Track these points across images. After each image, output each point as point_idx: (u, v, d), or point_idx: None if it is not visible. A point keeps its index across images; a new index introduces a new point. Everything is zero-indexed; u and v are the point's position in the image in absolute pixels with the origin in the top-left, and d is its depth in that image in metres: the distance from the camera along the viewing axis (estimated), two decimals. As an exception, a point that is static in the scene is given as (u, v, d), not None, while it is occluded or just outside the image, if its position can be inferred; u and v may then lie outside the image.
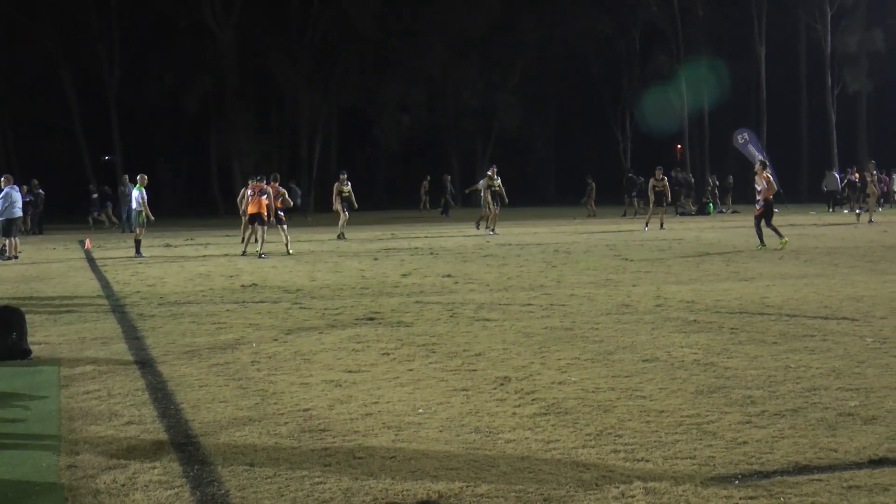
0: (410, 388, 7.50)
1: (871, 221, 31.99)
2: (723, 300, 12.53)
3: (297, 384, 7.73)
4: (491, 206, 29.80)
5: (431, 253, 21.99)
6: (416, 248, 24.14)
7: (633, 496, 4.89)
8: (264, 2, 55.17)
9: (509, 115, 62.28)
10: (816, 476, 5.15)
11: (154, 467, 5.54)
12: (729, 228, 30.41)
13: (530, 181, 65.83)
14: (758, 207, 21.77)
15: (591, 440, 5.93)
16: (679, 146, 64.86)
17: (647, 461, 5.50)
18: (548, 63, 64.56)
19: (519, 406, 6.86)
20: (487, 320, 11.14)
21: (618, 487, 5.02)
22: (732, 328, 10.15)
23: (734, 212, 45.74)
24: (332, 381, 7.79)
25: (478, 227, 31.12)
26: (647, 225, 30.52)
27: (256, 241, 22.48)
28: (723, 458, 5.50)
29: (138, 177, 23.94)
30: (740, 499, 4.83)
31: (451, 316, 11.59)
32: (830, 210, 43.97)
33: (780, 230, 21.71)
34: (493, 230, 29.58)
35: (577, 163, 63.61)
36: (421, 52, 58.86)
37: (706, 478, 5.17)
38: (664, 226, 30.78)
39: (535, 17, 60.77)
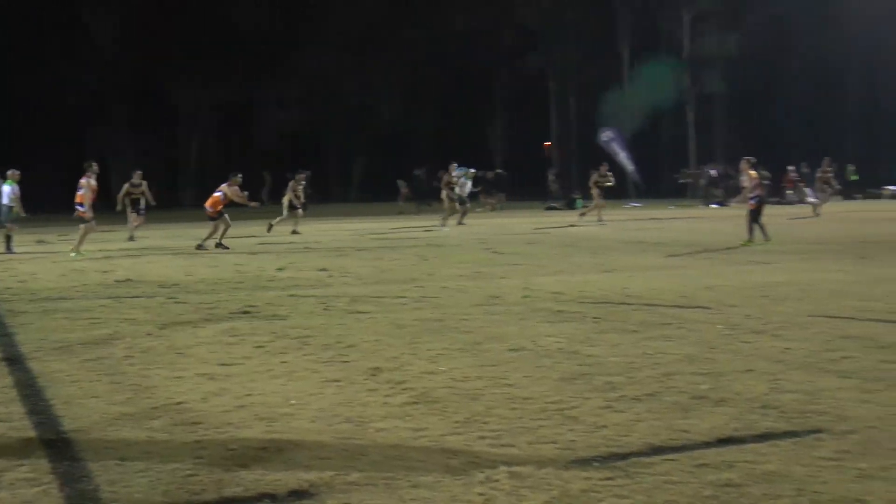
0: (284, 380, 7.45)
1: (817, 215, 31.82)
2: (587, 291, 12.73)
3: (170, 378, 7.59)
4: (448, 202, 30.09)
5: (306, 248, 21.85)
6: (292, 242, 23.98)
7: (497, 480, 4.94)
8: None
9: (388, 112, 62.27)
10: (670, 456, 5.27)
11: (21, 465, 5.35)
12: (592, 223, 30.91)
13: (408, 177, 65.92)
14: (751, 203, 21.29)
15: (459, 427, 5.97)
16: (547, 143, 65.73)
17: (513, 446, 5.55)
18: (427, 60, 64.71)
19: (390, 396, 6.86)
20: (361, 313, 11.12)
21: (483, 472, 5.06)
22: (595, 318, 10.31)
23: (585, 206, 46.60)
24: (205, 375, 7.68)
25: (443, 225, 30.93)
26: (597, 218, 30.71)
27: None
28: (584, 442, 5.59)
29: (9, 172, 23.09)
30: (599, 480, 4.91)
31: (325, 309, 11.54)
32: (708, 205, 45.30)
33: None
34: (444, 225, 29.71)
35: (455, 159, 63.87)
36: (302, 49, 58.43)
37: (568, 461, 5.24)
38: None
39: (413, 17, 60.84)
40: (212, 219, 23.01)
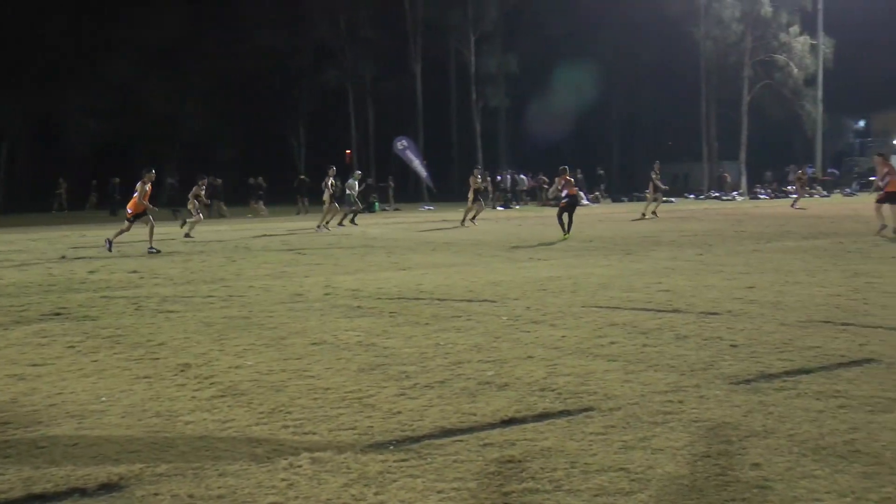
0: (95, 379, 7.16)
1: (653, 215, 32.46)
2: (384, 287, 12.78)
3: (-20, 380, 7.19)
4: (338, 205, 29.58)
5: (119, 251, 21.09)
6: (101, 245, 23.07)
7: (300, 466, 4.90)
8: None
9: (195, 122, 60.82)
10: (458, 437, 5.35)
11: None
12: (390, 224, 31.10)
13: (217, 185, 64.51)
14: (563, 202, 23.29)
15: (264, 418, 5.89)
16: (349, 151, 65.65)
17: (314, 434, 5.52)
18: (231, 74, 63.53)
19: (198, 390, 6.70)
20: (171, 312, 10.82)
21: (287, 459, 5.01)
22: (391, 312, 10.37)
23: (396, 209, 46.88)
24: (15, 375, 7.30)
25: (337, 225, 30.10)
26: (474, 220, 30.18)
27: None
28: (380, 427, 5.61)
29: None
30: (394, 461, 4.94)
31: (136, 309, 11.17)
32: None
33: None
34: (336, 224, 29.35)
35: (259, 168, 63.04)
36: (109, 61, 56.36)
37: (365, 445, 5.25)
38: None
39: (218, 31, 59.58)
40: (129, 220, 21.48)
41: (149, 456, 5.09)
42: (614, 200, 53.67)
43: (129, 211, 21.36)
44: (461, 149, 64.27)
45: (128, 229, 21.49)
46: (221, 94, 64.30)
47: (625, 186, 59.36)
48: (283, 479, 4.70)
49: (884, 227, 20.95)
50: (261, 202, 44.46)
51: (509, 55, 61.60)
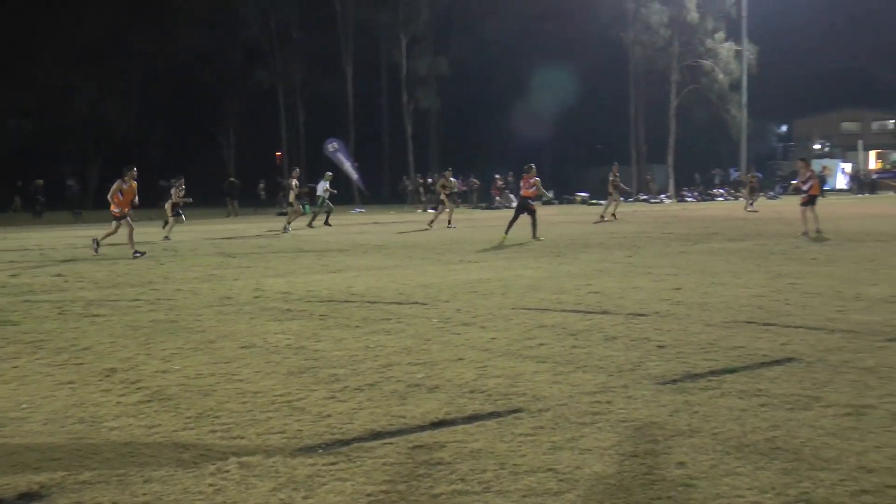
0: (15, 385, 7.00)
1: (612, 217, 32.38)
2: (314, 290, 12.71)
3: None
4: (296, 204, 29.21)
5: (41, 254, 20.69)
6: (26, 248, 22.64)
7: (228, 471, 4.84)
8: None
9: (121, 122, 59.91)
10: (388, 440, 5.34)
11: None
12: (321, 227, 30.91)
13: (146, 186, 63.66)
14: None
15: (191, 423, 5.81)
16: (279, 153, 65.27)
17: (243, 438, 5.46)
18: (159, 73, 62.69)
19: (124, 395, 6.59)
20: (96, 316, 10.62)
21: (214, 464, 4.95)
22: (322, 315, 10.31)
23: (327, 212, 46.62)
24: (-66, 382, 7.12)
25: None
26: (448, 223, 29.71)
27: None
28: (310, 431, 5.57)
29: None
30: (323, 465, 4.91)
31: (59, 313, 10.94)
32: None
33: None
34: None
35: (189, 169, 62.31)
36: (33, 59, 55.25)
37: (294, 449, 5.22)
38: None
39: (146, 30, 58.77)
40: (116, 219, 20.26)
41: (71, 463, 4.99)
42: (544, 203, 54.00)
43: (116, 211, 20.13)
44: (392, 151, 64.23)
45: (114, 232, 20.40)
46: (149, 94, 63.47)
47: (555, 189, 59.77)
48: (210, 485, 4.64)
49: (808, 231, 21.49)
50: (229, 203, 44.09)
51: (440, 57, 61.72)
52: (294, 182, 29.82)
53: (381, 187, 62.36)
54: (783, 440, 5.16)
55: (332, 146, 52.88)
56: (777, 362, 7.19)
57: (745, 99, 60.35)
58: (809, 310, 9.85)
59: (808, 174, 23.03)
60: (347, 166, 53.55)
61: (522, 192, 23.04)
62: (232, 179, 47.45)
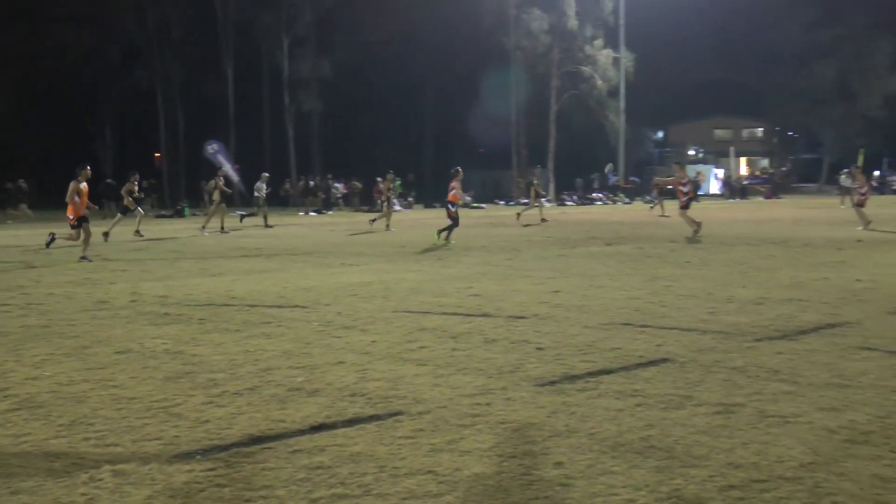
0: None
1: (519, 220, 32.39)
2: (193, 294, 12.49)
3: None
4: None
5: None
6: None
7: (101, 479, 4.73)
8: None
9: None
10: (268, 445, 5.29)
11: None
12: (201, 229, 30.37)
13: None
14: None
15: (63, 430, 5.65)
16: (158, 155, 63.99)
17: (117, 445, 5.34)
18: (34, 72, 60.65)
19: (-9, 403, 6.37)
20: (-38, 322, 10.23)
21: (87, 472, 4.83)
22: (201, 319, 10.15)
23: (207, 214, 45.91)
24: None
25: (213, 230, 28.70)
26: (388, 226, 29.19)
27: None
28: (187, 437, 5.48)
29: None
30: (201, 471, 4.84)
31: (-77, 319, 10.51)
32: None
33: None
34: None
35: (65, 170, 60.56)
36: None
37: (171, 455, 5.12)
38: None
39: (18, 27, 56.78)
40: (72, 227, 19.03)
41: (-65, 474, 4.80)
42: (427, 206, 54.27)
43: (70, 217, 18.89)
44: (274, 154, 63.53)
45: (77, 237, 19.06)
46: (23, 93, 61.38)
47: (439, 192, 60.05)
48: (82, 494, 4.52)
49: (696, 231, 22.48)
50: (23, 205, 42.78)
51: (323, 60, 61.34)
52: (214, 182, 29.63)
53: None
54: (657, 439, 5.30)
55: (211, 148, 51.79)
56: (652, 363, 7.37)
57: (622, 105, 61.65)
58: (683, 312, 10.13)
59: (686, 178, 23.78)
60: (228, 168, 52.67)
61: (448, 197, 23.13)
62: (109, 181, 46.26)
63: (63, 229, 20.01)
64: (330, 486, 4.61)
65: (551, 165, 62.25)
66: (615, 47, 61.60)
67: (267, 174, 34.11)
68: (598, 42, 61.96)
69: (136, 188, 27.66)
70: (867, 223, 24.40)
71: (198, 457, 5.10)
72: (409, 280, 13.91)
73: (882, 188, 64.80)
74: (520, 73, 62.14)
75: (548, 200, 58.61)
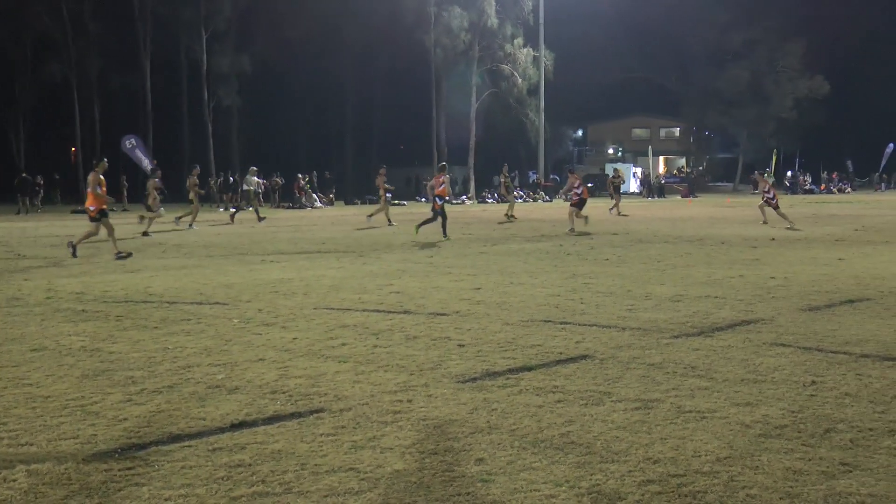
0: None
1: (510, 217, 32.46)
2: (110, 290, 12.28)
3: None
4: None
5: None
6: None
7: (15, 479, 4.63)
8: None
9: None
10: (187, 443, 5.24)
11: None
12: (118, 226, 29.81)
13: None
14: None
15: (-26, 430, 5.52)
16: (74, 149, 62.62)
17: (32, 445, 5.23)
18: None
19: None
20: None
21: (0, 473, 4.72)
22: (118, 316, 9.98)
23: (124, 209, 45.18)
24: None
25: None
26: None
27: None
28: (105, 435, 5.40)
29: None
30: (119, 470, 4.77)
31: None
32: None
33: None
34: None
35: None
36: None
37: (88, 454, 5.04)
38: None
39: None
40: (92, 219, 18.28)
41: None
42: (347, 203, 54.10)
43: (92, 209, 18.08)
44: (193, 149, 62.65)
45: (96, 231, 18.32)
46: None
47: (359, 189, 59.83)
48: (-5, 495, 4.42)
49: (574, 228, 24.22)
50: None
51: (243, 55, 60.69)
52: (254, 179, 29.52)
53: (181, 186, 60.65)
54: (577, 434, 5.37)
55: (129, 143, 51.11)
56: (572, 359, 7.46)
57: (542, 104, 62.16)
58: (602, 308, 10.26)
59: (577, 183, 25.70)
60: (146, 164, 51.87)
61: (436, 191, 23.62)
62: (24, 175, 45.19)
63: (77, 232, 19.47)
64: (251, 483, 4.58)
65: (471, 162, 62.49)
66: (535, 46, 62.08)
67: (255, 168, 33.72)
68: (518, 41, 62.39)
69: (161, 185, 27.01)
70: (791, 223, 24.86)
71: (115, 455, 5.02)
72: (329, 277, 13.85)
73: (794, 188, 66.40)
74: (440, 70, 62.26)
75: (468, 198, 58.89)
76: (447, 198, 24.93)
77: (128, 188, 48.92)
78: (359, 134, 73.20)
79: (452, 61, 61.84)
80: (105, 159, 19.13)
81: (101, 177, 18.27)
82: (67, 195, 51.20)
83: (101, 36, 60.02)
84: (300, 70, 66.71)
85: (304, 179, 50.15)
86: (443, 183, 23.69)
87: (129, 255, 17.40)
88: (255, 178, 32.97)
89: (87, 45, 59.33)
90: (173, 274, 14.50)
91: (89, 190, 18.22)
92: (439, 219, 22.93)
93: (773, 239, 20.85)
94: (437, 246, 19.87)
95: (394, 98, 69.97)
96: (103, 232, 18.24)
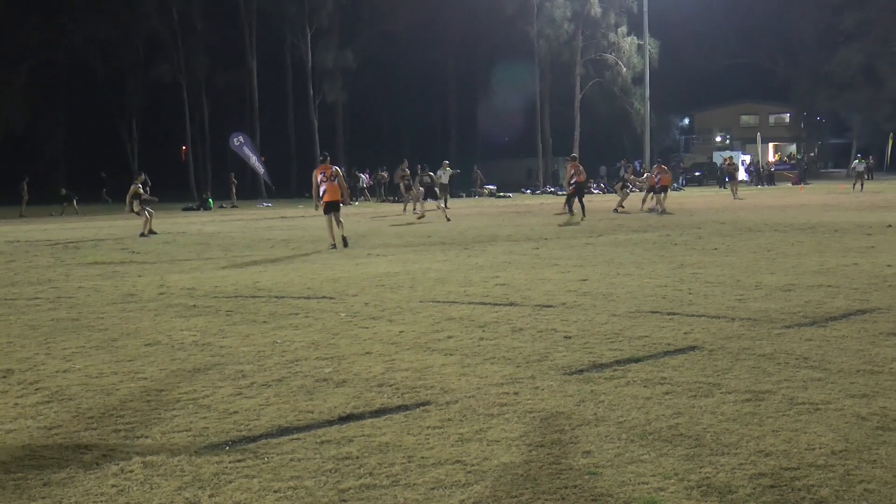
0: None
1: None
2: (220, 286, 12.54)
3: None
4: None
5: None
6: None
7: (131, 471, 4.75)
8: None
9: (16, 116, 58.15)
10: (296, 435, 5.30)
11: None
12: (227, 221, 30.54)
13: (41, 180, 62.11)
14: (570, 188, 28.09)
15: (93, 423, 5.67)
16: (184, 147, 64.25)
17: (147, 437, 5.36)
18: (55, 65, 61.00)
19: (22, 396, 6.41)
20: (-7, 315, 10.32)
21: (118, 464, 4.85)
22: (228, 311, 10.18)
23: (234, 206, 46.12)
24: None
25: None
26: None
27: None
28: (216, 428, 5.50)
29: None
30: (230, 462, 4.85)
31: (-46, 313, 10.60)
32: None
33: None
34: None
35: (89, 163, 60.92)
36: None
37: (200, 447, 5.14)
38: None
39: (40, 20, 57.07)
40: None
41: (-34, 468, 4.84)
42: (453, 195, 54.28)
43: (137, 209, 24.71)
44: (299, 145, 63.68)
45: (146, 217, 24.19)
46: (46, 87, 61.75)
47: (462, 182, 60.05)
48: (112, 486, 4.54)
49: (572, 214, 26.35)
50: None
51: (347, 50, 61.40)
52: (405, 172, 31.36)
53: (289, 182, 61.76)
54: (685, 427, 5.26)
55: (237, 140, 52.21)
56: (680, 351, 7.33)
57: (647, 92, 61.36)
58: (711, 299, 10.06)
59: (573, 171, 27.71)
60: (254, 161, 52.95)
61: (577, 179, 27.38)
62: (104, 175, 46.70)
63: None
64: (358, 476, 4.61)
65: (576, 153, 62.11)
66: (639, 34, 61.30)
67: (447, 161, 36.24)
68: (622, 29, 61.72)
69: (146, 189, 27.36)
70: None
71: (226, 448, 5.10)
72: (434, 270, 13.90)
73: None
74: (543, 61, 61.95)
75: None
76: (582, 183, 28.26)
77: (236, 185, 49.88)
78: (461, 126, 73.39)
79: (556, 52, 61.53)
80: (143, 173, 25.56)
81: (140, 187, 24.56)
82: (175, 192, 52.31)
83: (208, 36, 61.44)
84: (402, 64, 67.19)
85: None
86: (573, 172, 27.50)
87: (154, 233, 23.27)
88: (450, 170, 34.79)
89: (195, 44, 60.75)
90: (281, 268, 14.74)
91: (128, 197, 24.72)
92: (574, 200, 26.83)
93: (890, 226, 20.18)
94: (545, 238, 19.77)
95: (496, 89, 69.92)
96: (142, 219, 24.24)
